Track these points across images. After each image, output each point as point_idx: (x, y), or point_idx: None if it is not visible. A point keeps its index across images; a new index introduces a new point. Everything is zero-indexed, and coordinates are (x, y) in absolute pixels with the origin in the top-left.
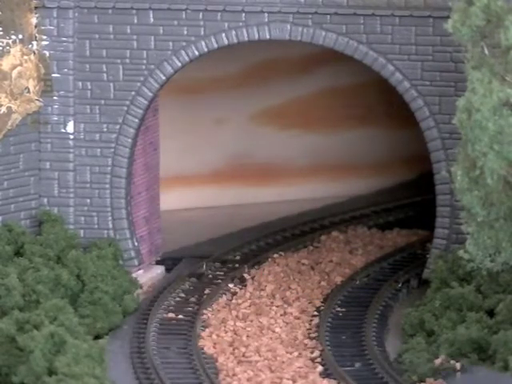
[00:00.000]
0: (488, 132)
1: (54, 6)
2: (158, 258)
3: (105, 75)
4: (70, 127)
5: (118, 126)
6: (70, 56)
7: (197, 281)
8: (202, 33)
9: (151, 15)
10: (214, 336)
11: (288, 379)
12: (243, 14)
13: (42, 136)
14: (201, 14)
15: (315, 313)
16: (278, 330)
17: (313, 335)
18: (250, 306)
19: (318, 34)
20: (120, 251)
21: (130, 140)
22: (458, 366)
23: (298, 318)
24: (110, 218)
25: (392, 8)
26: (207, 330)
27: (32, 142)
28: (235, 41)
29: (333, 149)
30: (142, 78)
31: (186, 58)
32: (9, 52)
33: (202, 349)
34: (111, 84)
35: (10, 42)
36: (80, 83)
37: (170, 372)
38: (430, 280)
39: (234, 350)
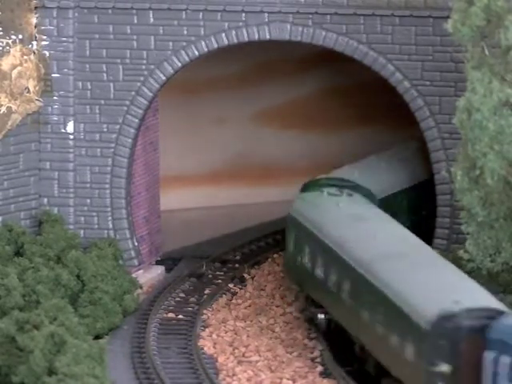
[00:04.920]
0: (488, 132)
1: (54, 6)
2: (158, 258)
3: (105, 75)
4: (70, 127)
5: (117, 126)
6: (70, 56)
7: (197, 281)
8: (202, 33)
9: (151, 15)
10: (214, 336)
11: (288, 379)
12: (243, 14)
13: (41, 136)
14: (201, 13)
15: None
16: (277, 329)
17: (313, 335)
18: (249, 305)
19: (318, 34)
20: (120, 251)
21: (129, 140)
22: None
23: (298, 318)
24: (110, 217)
25: (392, 8)
26: (207, 329)
27: (32, 142)
28: (235, 41)
29: (333, 149)
30: (141, 78)
31: (186, 58)
32: (9, 52)
33: (202, 349)
34: (111, 84)
35: (10, 42)
36: (80, 83)
37: (169, 372)
38: None
39: (233, 350)
